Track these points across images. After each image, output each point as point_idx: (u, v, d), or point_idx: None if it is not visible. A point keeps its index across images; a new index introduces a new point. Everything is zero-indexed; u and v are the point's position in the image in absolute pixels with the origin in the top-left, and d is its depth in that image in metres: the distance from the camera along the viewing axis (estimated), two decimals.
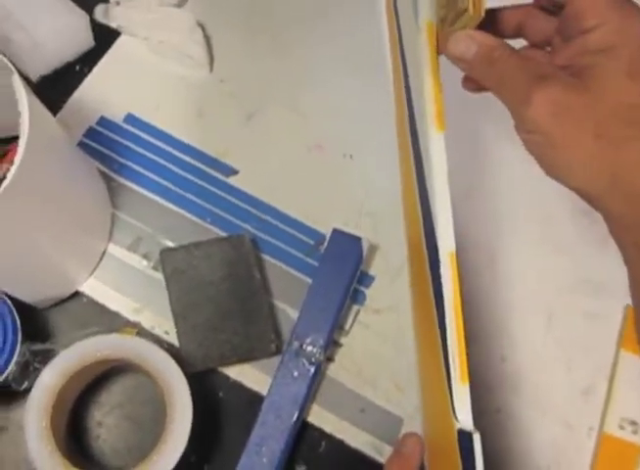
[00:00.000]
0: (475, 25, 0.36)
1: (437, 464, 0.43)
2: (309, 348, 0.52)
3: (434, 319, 0.41)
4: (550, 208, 0.60)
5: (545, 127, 0.35)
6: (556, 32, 0.39)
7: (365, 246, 0.55)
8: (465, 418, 0.36)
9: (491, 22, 0.40)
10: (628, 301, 0.57)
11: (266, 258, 0.56)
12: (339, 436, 0.52)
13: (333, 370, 0.54)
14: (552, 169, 0.37)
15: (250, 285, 0.53)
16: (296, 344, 0.52)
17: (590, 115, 0.34)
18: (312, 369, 0.51)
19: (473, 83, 0.42)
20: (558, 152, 0.36)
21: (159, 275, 0.53)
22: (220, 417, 0.52)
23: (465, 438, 0.35)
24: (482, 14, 0.34)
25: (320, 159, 0.60)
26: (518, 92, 0.35)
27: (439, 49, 0.39)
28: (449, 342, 0.38)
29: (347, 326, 0.55)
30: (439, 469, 0.42)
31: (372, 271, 0.57)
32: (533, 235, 0.60)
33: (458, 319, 0.38)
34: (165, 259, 0.52)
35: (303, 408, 0.51)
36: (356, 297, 0.56)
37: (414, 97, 0.45)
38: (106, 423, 0.51)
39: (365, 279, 0.57)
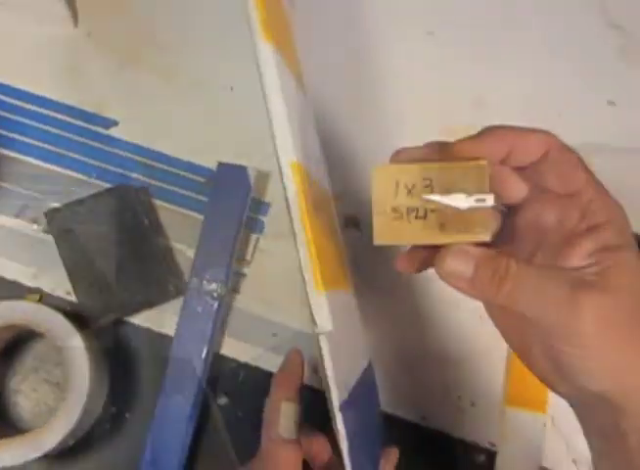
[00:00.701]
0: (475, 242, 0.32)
1: None
2: (210, 283, 0.52)
3: None
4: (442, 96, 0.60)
5: (592, 340, 0.30)
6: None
7: (252, 174, 0.54)
8: (322, 323, 0.36)
9: None
10: None
11: (159, 203, 0.56)
12: (255, 363, 0.53)
13: (240, 301, 0.54)
14: (573, 377, 0.31)
15: (140, 232, 0.52)
16: (195, 281, 0.52)
17: (622, 316, 0.30)
18: (215, 304, 0.52)
19: (411, 262, 0.36)
20: (593, 362, 0.30)
21: (51, 237, 0.53)
22: (136, 365, 0.53)
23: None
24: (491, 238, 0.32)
25: (201, 95, 0.59)
26: (549, 307, 0.30)
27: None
28: (300, 250, 0.38)
29: (249, 256, 0.55)
30: None
31: (267, 199, 0.57)
32: (431, 126, 0.60)
33: (307, 231, 0.38)
34: (51, 221, 0.52)
35: (212, 343, 0.52)
36: (254, 226, 0.56)
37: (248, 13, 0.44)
38: (22, 389, 0.52)
39: (261, 207, 0.56)
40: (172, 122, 0.58)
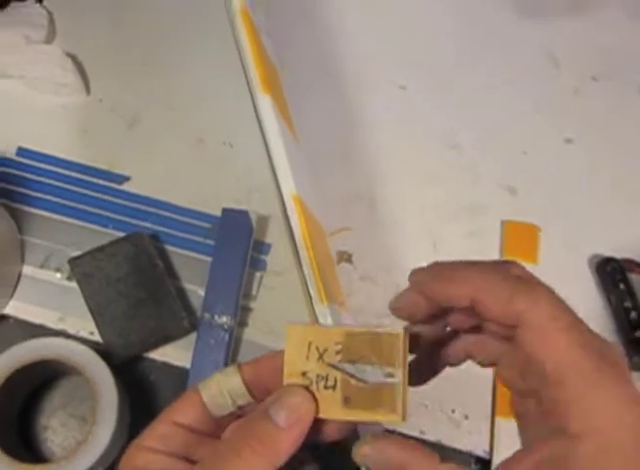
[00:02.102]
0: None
1: None
2: (220, 317, 0.57)
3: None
4: (418, 143, 0.67)
5: None
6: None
7: (253, 217, 0.60)
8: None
9: (434, 354, 0.37)
10: (503, 217, 0.64)
11: (170, 248, 0.62)
12: None
13: (248, 333, 0.59)
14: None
15: (154, 274, 0.58)
16: (207, 316, 0.57)
17: None
18: (226, 336, 0.57)
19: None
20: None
21: (73, 284, 0.58)
22: (156, 398, 0.57)
23: None
24: (405, 420, 0.29)
25: (203, 150, 0.66)
26: None
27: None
28: (305, 272, 0.43)
29: (254, 292, 0.61)
30: None
31: (268, 239, 0.62)
32: (410, 172, 0.66)
33: (310, 254, 0.44)
34: (74, 267, 0.57)
35: None
36: (257, 264, 0.61)
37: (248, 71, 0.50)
38: (51, 425, 0.56)
39: (263, 248, 0.62)
40: (179, 175, 0.64)
